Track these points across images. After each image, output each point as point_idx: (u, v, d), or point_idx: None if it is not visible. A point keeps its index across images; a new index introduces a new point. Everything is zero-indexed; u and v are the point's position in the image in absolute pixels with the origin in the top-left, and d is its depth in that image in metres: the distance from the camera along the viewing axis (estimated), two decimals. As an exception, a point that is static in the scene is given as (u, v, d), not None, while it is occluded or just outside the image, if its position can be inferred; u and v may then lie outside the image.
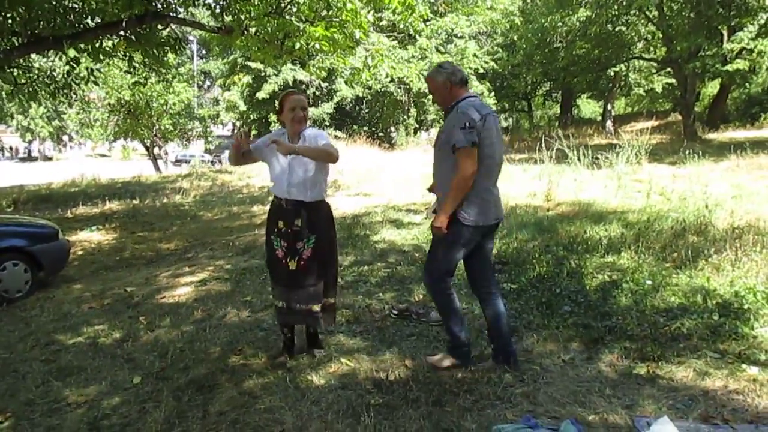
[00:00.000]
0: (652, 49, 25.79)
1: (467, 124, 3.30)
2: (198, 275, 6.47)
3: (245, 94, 30.96)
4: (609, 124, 29.42)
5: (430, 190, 3.89)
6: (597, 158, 10.48)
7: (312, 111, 28.25)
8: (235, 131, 3.75)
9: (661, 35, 21.67)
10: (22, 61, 10.64)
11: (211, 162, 35.43)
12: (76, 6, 9.23)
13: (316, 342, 4.07)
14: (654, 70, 28.29)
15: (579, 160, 10.68)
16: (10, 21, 8.89)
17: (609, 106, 31.22)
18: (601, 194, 9.07)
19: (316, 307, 3.74)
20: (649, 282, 4.84)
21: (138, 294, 5.94)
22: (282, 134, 3.79)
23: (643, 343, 3.83)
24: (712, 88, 29.64)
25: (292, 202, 3.70)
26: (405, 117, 29.38)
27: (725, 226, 6.22)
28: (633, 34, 23.11)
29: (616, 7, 20.25)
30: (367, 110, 30.25)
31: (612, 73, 27.44)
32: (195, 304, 5.31)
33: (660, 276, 4.96)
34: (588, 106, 43.38)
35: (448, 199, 3.38)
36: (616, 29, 22.24)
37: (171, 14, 10.02)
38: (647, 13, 20.51)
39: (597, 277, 5.14)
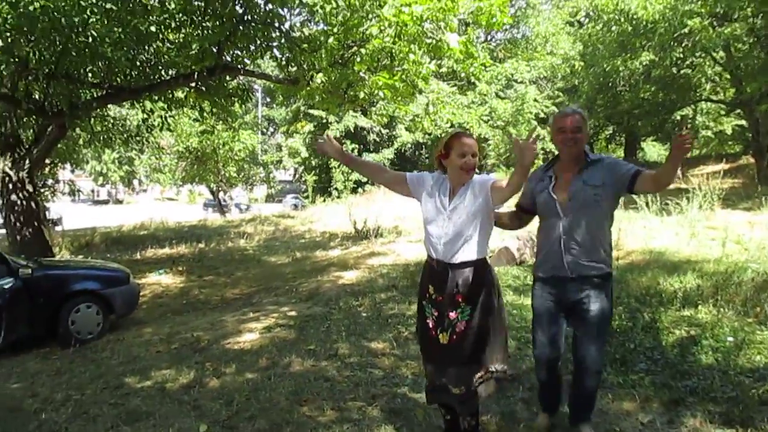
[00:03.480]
0: (720, 90, 25.08)
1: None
2: (263, 321, 6.52)
3: (307, 141, 31.73)
4: (676, 167, 28.53)
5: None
6: (667, 204, 10.13)
7: (373, 156, 28.67)
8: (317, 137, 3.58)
9: (729, 76, 21.08)
10: (99, 110, 11.22)
11: (246, 207, 36.15)
12: (152, 60, 9.71)
13: None
14: (723, 112, 27.44)
15: (647, 205, 10.36)
16: (90, 74, 9.43)
17: (675, 150, 30.33)
18: (673, 242, 8.71)
19: (463, 389, 3.07)
20: (730, 339, 4.57)
21: (204, 339, 6.02)
22: (442, 181, 3.22)
23: (728, 407, 3.59)
24: (786, 130, 28.47)
25: (444, 263, 3.10)
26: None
27: (810, 278, 5.87)
28: (699, 76, 22.52)
29: (680, 50, 19.86)
30: (427, 155, 30.41)
31: (678, 116, 26.76)
32: (260, 351, 5.33)
33: (742, 332, 4.69)
34: (653, 149, 42.28)
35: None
36: (681, 72, 21.75)
37: (240, 66, 10.40)
38: (713, 54, 20.04)
39: (674, 332, 4.89)
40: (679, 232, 9.14)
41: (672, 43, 19.45)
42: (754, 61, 19.19)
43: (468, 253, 3.05)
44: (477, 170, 3.14)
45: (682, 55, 20.29)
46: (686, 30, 17.37)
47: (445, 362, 3.10)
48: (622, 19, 19.36)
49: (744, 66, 19.69)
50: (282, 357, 5.11)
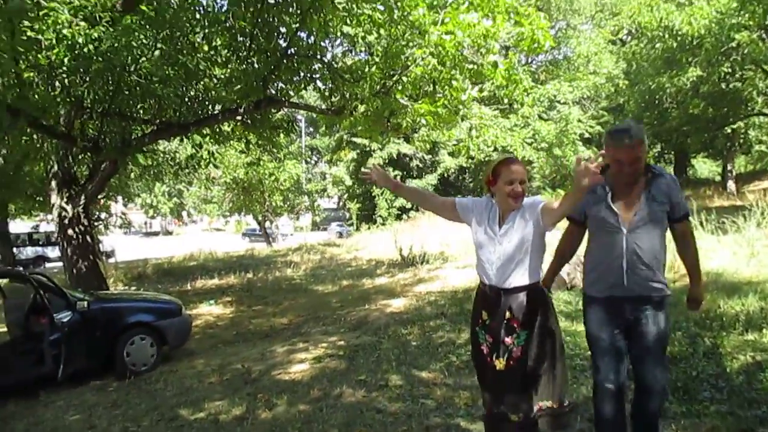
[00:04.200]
0: (773, 104, 24.33)
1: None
2: (312, 351, 6.52)
3: (351, 169, 32.05)
4: (730, 184, 27.70)
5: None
6: (723, 222, 9.79)
7: (416, 182, 28.72)
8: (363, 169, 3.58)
9: (782, 89, 20.47)
10: (149, 145, 11.55)
11: (285, 235, 36.50)
12: (200, 95, 9.98)
13: None
14: (777, 126, 26.59)
15: (702, 225, 10.03)
16: (142, 111, 9.75)
17: (729, 166, 29.52)
18: (731, 262, 8.39)
19: (522, 417, 2.98)
20: (800, 364, 4.36)
21: (255, 369, 6.05)
22: (491, 207, 3.17)
23: (802, 437, 3.41)
24: None
25: (497, 289, 3.07)
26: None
27: None
28: (750, 89, 21.92)
29: (728, 64, 19.39)
30: (471, 180, 30.34)
31: (730, 131, 26.03)
32: (311, 382, 5.32)
33: (813, 357, 4.47)
34: (704, 166, 41.23)
35: (698, 263, 3.19)
36: (731, 86, 21.21)
37: (284, 99, 10.60)
38: (764, 67, 19.50)
39: (738, 358, 4.68)
40: (737, 251, 8.80)
41: (719, 57, 19.02)
42: (808, 73, 18.63)
43: (521, 277, 3.01)
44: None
45: (730, 69, 19.80)
46: (734, 44, 16.97)
47: (503, 389, 3.04)
48: (667, 36, 19.07)
49: (797, 78, 19.12)
50: (333, 388, 5.08)
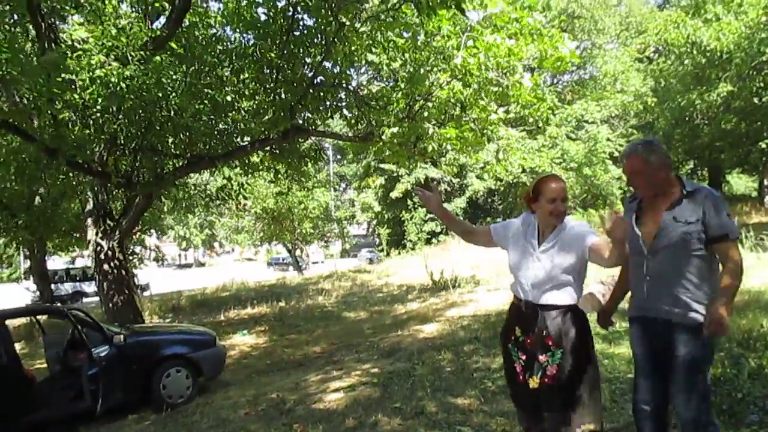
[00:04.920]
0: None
1: (728, 213, 2.82)
2: (346, 380, 6.47)
3: (379, 195, 32.18)
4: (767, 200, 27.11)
5: (600, 314, 3.35)
6: (762, 239, 9.56)
7: (445, 206, 28.66)
8: (420, 195, 3.49)
9: (816, 101, 20.04)
10: (181, 179, 11.77)
11: (311, 263, 36.49)
12: (228, 128, 10.16)
13: None
14: (813, 139, 25.97)
15: (741, 242, 9.79)
16: (173, 146, 9.95)
17: (765, 181, 28.87)
18: (773, 280, 8.18)
19: None
20: None
21: (290, 399, 6.02)
22: (530, 223, 3.16)
23: None
24: None
25: (533, 305, 3.03)
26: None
27: None
28: (783, 102, 21.58)
29: (760, 78, 19.11)
30: (500, 202, 30.20)
31: (765, 146, 25.53)
32: (346, 411, 5.27)
33: None
34: (740, 182, 40.38)
35: (732, 292, 2.80)
36: (764, 100, 20.88)
37: (311, 128, 10.73)
38: (796, 79, 19.17)
39: (785, 379, 4.52)
40: (779, 269, 8.58)
41: (751, 72, 18.77)
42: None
43: (558, 297, 2.98)
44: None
45: (762, 84, 19.50)
46: (765, 58, 16.74)
47: (539, 407, 2.99)
48: (695, 52, 18.92)
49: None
50: (368, 416, 5.02)
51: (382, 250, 35.01)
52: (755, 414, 3.98)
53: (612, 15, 29.85)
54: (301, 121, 10.39)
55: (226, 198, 13.60)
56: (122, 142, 9.09)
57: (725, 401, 4.22)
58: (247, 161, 11.52)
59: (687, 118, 23.00)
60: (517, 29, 9.23)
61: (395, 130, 9.64)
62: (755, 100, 20.45)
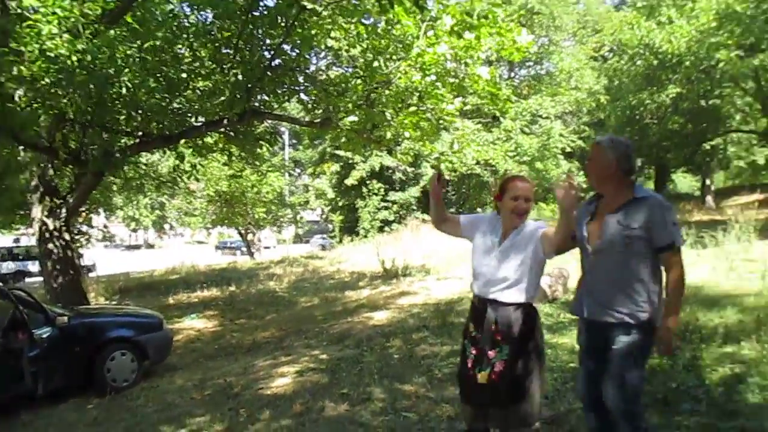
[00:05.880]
0: (750, 120, 24.79)
1: (675, 223, 2.95)
2: (294, 366, 6.48)
3: (333, 182, 32.07)
4: (709, 199, 28.16)
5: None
6: (701, 237, 9.92)
7: (399, 195, 28.76)
8: (432, 175, 3.45)
9: (759, 106, 20.85)
10: (132, 157, 11.47)
11: (265, 248, 36.19)
12: (183, 107, 9.94)
13: None
14: (754, 142, 27.08)
15: (683, 239, 10.15)
16: (125, 123, 9.67)
17: (708, 181, 29.98)
18: (711, 276, 8.50)
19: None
20: (778, 376, 4.41)
21: (237, 384, 6.00)
22: (495, 222, 3.24)
23: (780, 448, 3.44)
24: (820, 157, 28.01)
25: (486, 301, 3.12)
26: (491, 198, 29.34)
27: None
28: (729, 106, 22.36)
29: (708, 82, 19.75)
30: (453, 193, 30.44)
31: (709, 147, 26.46)
32: (293, 397, 5.28)
33: (790, 369, 4.52)
34: (684, 181, 41.79)
35: (677, 299, 2.95)
36: (710, 103, 21.60)
37: (267, 111, 10.59)
38: (742, 85, 19.88)
39: (717, 370, 4.72)
40: (717, 265, 8.91)
41: (699, 75, 19.39)
42: (784, 90, 19.05)
43: (513, 295, 3.06)
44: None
45: (710, 87, 20.18)
46: (713, 62, 17.30)
47: (484, 403, 3.07)
48: (648, 53, 19.38)
49: (774, 95, 19.53)
50: (315, 402, 5.05)
51: (334, 237, 34.94)
52: (687, 403, 4.17)
53: (570, 13, 30.27)
54: (257, 104, 10.24)
55: (177, 179, 13.34)
56: (72, 117, 8.79)
57: (660, 391, 4.40)
58: (200, 142, 11.30)
59: (637, 117, 23.61)
60: (478, 26, 9.23)
61: (353, 118, 9.60)
62: (702, 102, 21.18)
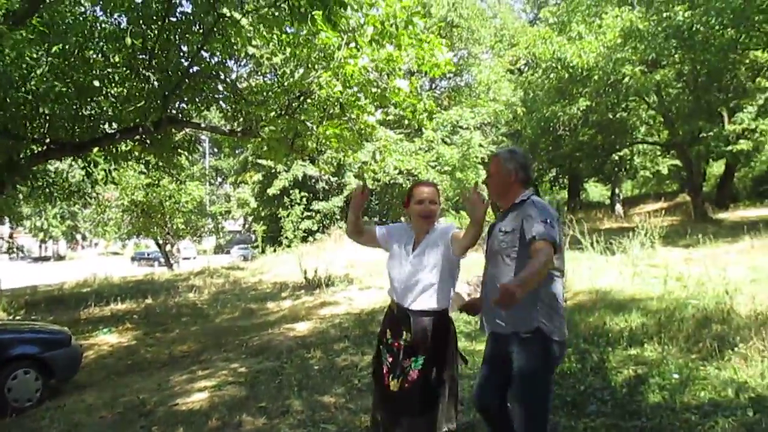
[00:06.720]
0: (654, 132, 26.24)
1: (548, 220, 2.75)
2: (212, 380, 6.32)
3: (256, 191, 31.61)
4: (618, 207, 29.64)
5: (467, 309, 3.31)
6: (611, 243, 10.40)
7: (322, 205, 28.65)
8: (356, 186, 3.41)
9: (662, 119, 22.11)
10: (39, 166, 10.92)
11: (184, 259, 35.41)
12: (95, 114, 9.55)
13: None
14: (659, 153, 28.68)
15: (592, 246, 10.62)
16: (30, 130, 9.19)
17: (617, 190, 31.51)
18: (618, 281, 8.93)
19: None
20: (676, 376, 4.67)
21: (150, 401, 5.79)
22: (408, 231, 3.31)
23: (677, 445, 3.65)
24: (718, 168, 29.92)
25: (404, 309, 3.14)
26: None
27: (748, 312, 6.08)
28: (634, 119, 23.62)
29: (615, 95, 20.79)
30: (377, 202, 30.60)
31: (617, 157, 27.83)
32: (209, 412, 5.15)
33: (687, 369, 4.80)
34: (596, 190, 43.72)
35: (528, 275, 2.58)
36: (617, 115, 22.75)
37: (186, 119, 10.33)
38: (646, 98, 21.03)
39: (622, 372, 4.97)
40: (623, 270, 9.35)
41: (607, 89, 20.37)
42: (683, 105, 20.29)
43: (427, 301, 3.09)
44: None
45: (617, 100, 21.25)
46: (620, 76, 18.22)
47: (396, 411, 3.07)
48: (559, 67, 20.18)
49: (675, 109, 20.76)
50: (232, 416, 4.95)
51: (256, 247, 34.40)
52: (594, 404, 4.34)
53: (487, 27, 31.12)
54: (174, 112, 9.97)
55: (90, 188, 12.77)
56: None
57: (569, 393, 4.58)
58: (114, 150, 10.86)
59: (551, 129, 24.59)
60: (398, 36, 9.35)
61: (273, 127, 9.50)
62: (610, 115, 22.26)
